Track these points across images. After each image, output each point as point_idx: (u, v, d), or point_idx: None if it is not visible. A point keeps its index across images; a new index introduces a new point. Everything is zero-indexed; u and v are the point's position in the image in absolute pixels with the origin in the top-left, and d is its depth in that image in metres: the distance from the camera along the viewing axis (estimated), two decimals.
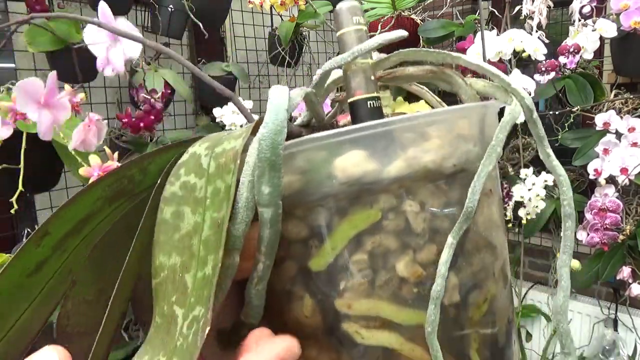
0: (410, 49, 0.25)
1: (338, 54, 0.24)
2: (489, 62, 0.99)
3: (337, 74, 0.26)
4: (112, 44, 0.36)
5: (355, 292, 0.20)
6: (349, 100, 0.24)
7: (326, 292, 0.20)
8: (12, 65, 1.12)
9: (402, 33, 0.22)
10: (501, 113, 0.23)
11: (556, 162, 0.24)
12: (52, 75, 0.35)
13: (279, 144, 0.18)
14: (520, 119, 0.98)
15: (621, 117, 1.03)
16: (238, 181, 0.19)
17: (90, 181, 0.54)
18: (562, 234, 0.24)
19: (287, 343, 0.19)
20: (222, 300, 0.19)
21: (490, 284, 0.21)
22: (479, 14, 1.28)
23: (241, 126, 1.13)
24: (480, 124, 0.22)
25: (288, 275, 0.21)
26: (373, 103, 0.23)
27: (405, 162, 0.19)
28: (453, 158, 0.20)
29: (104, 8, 0.34)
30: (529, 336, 1.58)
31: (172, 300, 0.19)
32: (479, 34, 1.01)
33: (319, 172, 0.19)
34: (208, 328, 0.17)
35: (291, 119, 0.25)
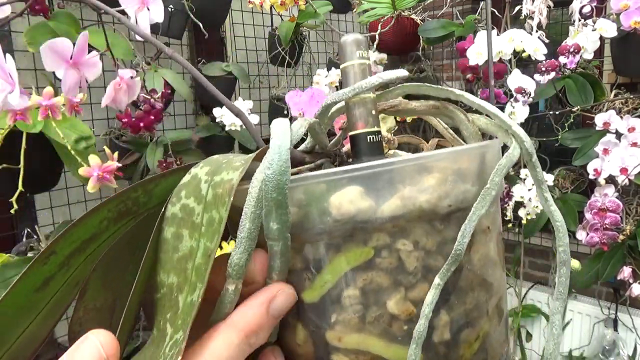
0: (414, 83, 0.26)
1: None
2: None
3: (342, 102, 0.26)
4: (140, 8, 0.39)
5: (346, 325, 0.20)
6: (349, 134, 0.24)
7: (318, 324, 0.20)
8: None
9: (403, 73, 0.22)
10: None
11: (554, 208, 0.23)
12: (84, 34, 0.37)
13: (285, 184, 0.18)
14: (521, 118, 0.98)
15: (621, 117, 1.03)
16: (240, 214, 0.19)
17: (90, 181, 0.54)
18: (556, 279, 0.24)
19: (281, 286, 0.20)
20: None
21: (483, 322, 0.21)
22: (479, 13, 1.28)
23: (241, 126, 1.13)
24: (479, 164, 0.22)
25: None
26: (373, 137, 0.23)
27: (401, 202, 0.19)
28: (449, 198, 0.20)
29: None
30: (529, 336, 1.58)
31: (167, 317, 0.20)
32: (479, 34, 1.01)
33: (315, 207, 0.20)
34: (179, 359, 0.17)
35: (296, 146, 0.26)
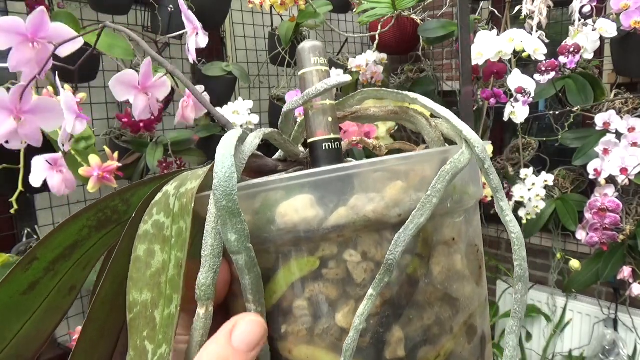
0: (372, 88, 0.26)
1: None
2: (489, 63, 0.99)
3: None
4: (192, 33, 0.43)
5: (295, 337, 0.20)
6: (308, 141, 0.24)
7: (270, 335, 0.20)
8: None
9: (346, 78, 0.22)
10: None
11: (510, 218, 0.22)
12: (147, 61, 0.40)
13: (232, 190, 0.18)
14: (521, 118, 0.98)
15: (621, 117, 1.03)
16: (202, 222, 0.19)
17: (90, 181, 0.54)
18: (514, 296, 0.23)
19: (243, 314, 0.19)
20: (198, 352, 0.19)
21: (445, 340, 0.20)
22: (479, 14, 1.28)
23: (241, 126, 1.13)
24: (437, 171, 0.20)
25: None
26: (329, 145, 0.23)
27: (345, 211, 0.19)
28: (399, 207, 0.19)
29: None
30: (529, 336, 1.59)
31: (144, 335, 0.20)
32: (479, 34, 1.01)
33: (264, 215, 0.19)
34: None
35: (271, 155, 0.25)
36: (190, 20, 0.42)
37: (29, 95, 0.37)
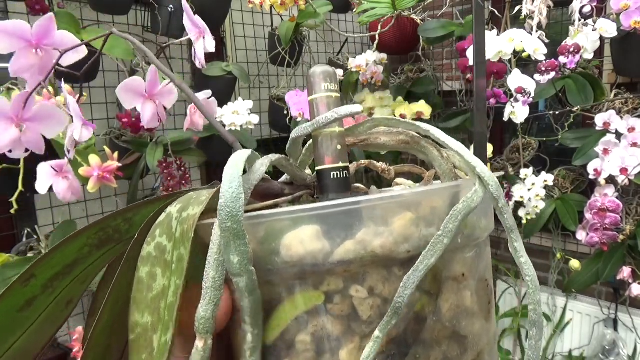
0: (383, 117, 0.25)
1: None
2: (489, 63, 0.99)
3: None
4: (198, 37, 0.42)
5: None
6: (316, 168, 0.23)
7: None
8: None
9: (357, 109, 0.21)
10: None
11: (525, 259, 0.21)
12: (152, 68, 0.40)
13: (238, 212, 0.18)
14: (521, 118, 0.98)
15: (621, 117, 1.03)
16: (206, 249, 0.19)
17: (90, 181, 0.54)
18: (527, 342, 0.22)
19: None
20: None
21: None
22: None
23: (241, 126, 1.13)
24: (448, 206, 0.20)
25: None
26: (337, 174, 0.23)
27: (352, 246, 0.18)
28: (408, 243, 0.18)
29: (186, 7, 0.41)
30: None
31: (142, 358, 0.20)
32: None
33: (268, 246, 0.19)
34: None
35: (275, 175, 0.25)
36: (195, 24, 0.41)
37: (30, 102, 0.36)
